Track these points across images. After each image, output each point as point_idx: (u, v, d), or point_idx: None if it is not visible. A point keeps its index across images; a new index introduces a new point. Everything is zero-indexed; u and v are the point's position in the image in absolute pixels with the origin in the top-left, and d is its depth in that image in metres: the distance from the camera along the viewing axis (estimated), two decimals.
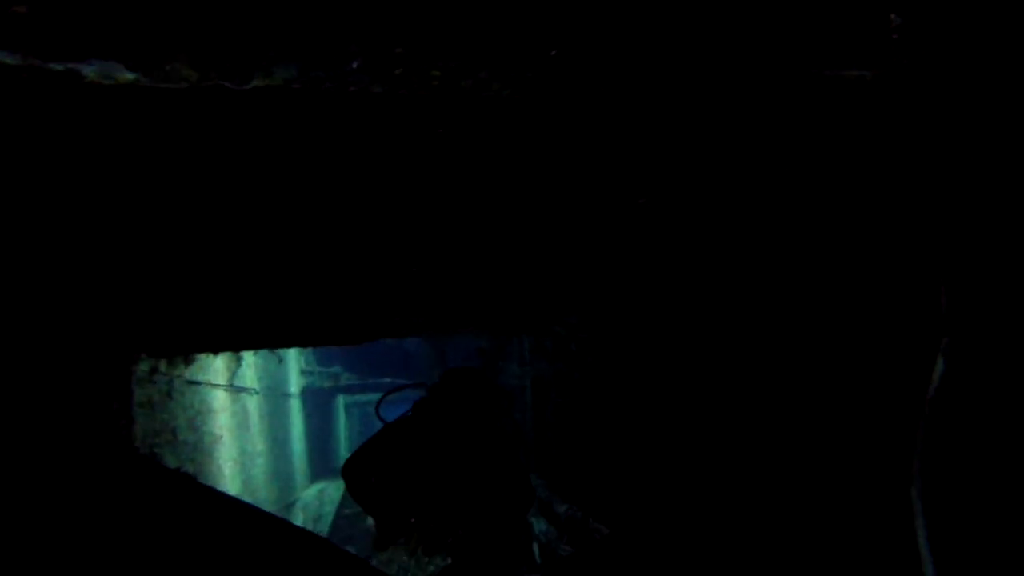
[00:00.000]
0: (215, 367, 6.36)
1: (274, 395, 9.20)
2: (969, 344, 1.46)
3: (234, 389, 7.11)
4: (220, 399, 6.55)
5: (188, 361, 4.84)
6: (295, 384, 10.47)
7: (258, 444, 8.33)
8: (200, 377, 5.78)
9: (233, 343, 4.12)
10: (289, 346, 3.81)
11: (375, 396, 15.27)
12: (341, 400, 14.64)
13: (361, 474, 3.14)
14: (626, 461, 3.74)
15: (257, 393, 8.39)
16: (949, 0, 1.19)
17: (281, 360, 9.15)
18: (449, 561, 3.62)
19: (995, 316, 1.42)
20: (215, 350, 4.45)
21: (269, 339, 4.06)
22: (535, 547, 5.56)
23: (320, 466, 11.72)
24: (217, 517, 2.49)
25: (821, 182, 1.50)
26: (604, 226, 2.02)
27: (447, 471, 3.13)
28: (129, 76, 0.99)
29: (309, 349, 11.18)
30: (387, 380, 11.48)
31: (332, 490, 10.37)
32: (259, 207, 1.52)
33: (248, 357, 7.66)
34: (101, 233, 1.59)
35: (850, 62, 1.22)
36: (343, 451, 15.12)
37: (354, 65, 1.09)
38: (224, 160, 1.25)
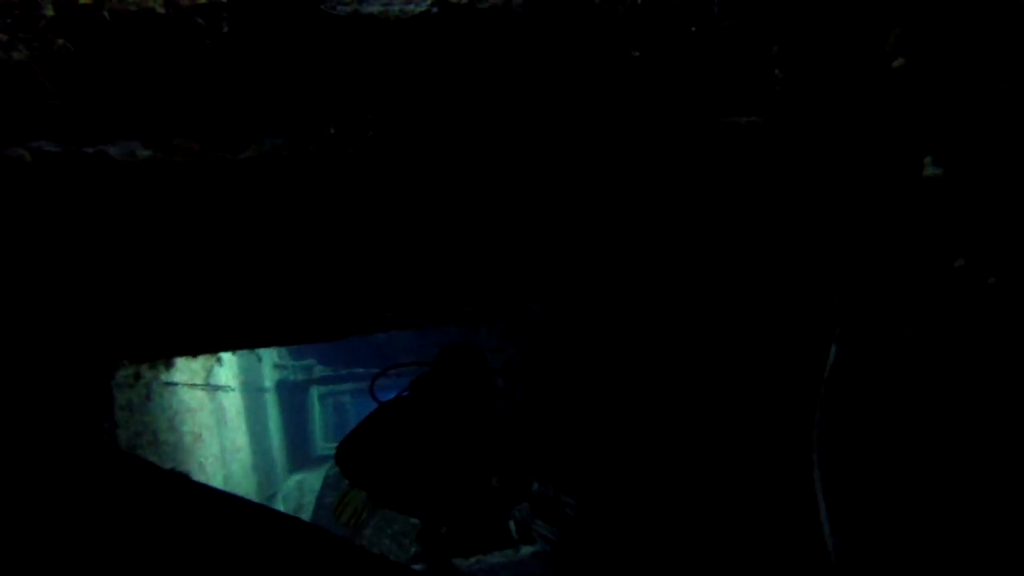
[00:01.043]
0: (192, 367, 6.48)
1: (250, 391, 9.32)
2: (859, 334, 1.74)
3: (211, 388, 7.24)
4: (198, 398, 6.67)
5: (168, 364, 4.97)
6: (269, 379, 10.60)
7: (237, 439, 8.47)
8: (177, 378, 5.91)
9: (213, 345, 4.26)
10: (269, 345, 3.86)
11: (348, 387, 15.35)
12: (315, 392, 14.75)
13: (357, 454, 3.03)
14: (588, 439, 4.03)
15: (233, 390, 8.52)
16: (819, 55, 1.46)
17: (260, 359, 9.24)
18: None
19: (881, 310, 1.71)
20: (194, 352, 4.58)
21: (249, 339, 4.20)
22: (511, 524, 5.85)
23: (298, 457, 11.88)
24: (211, 509, 2.68)
25: (731, 207, 1.77)
26: (564, 234, 2.27)
27: (443, 450, 3.05)
28: (146, 153, 1.19)
29: None
30: (360, 371, 11.68)
31: (311, 480, 10.55)
32: (250, 232, 1.72)
33: (224, 355, 7.76)
34: (93, 260, 1.78)
35: (743, 110, 1.49)
36: (319, 441, 15.24)
37: (332, 131, 1.31)
38: (224, 203, 1.46)
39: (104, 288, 1.87)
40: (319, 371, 11.97)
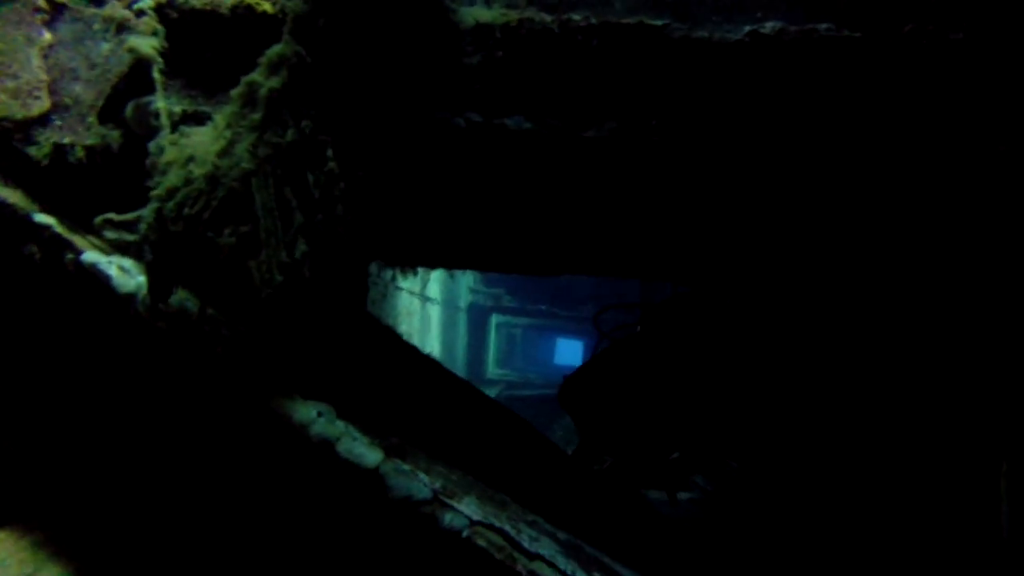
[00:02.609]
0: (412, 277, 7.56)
1: (448, 307, 10.51)
2: None
3: (423, 298, 8.35)
4: (413, 304, 7.78)
5: (414, 272, 5.93)
6: (464, 300, 11.80)
7: (435, 346, 9.69)
8: (403, 284, 6.97)
9: (452, 262, 4.95)
10: (494, 270, 4.42)
11: (522, 320, 16.21)
12: (493, 319, 15.94)
13: (585, 392, 2.96)
14: (756, 407, 4.22)
15: (438, 304, 9.69)
16: None
17: (488, 282, 10.23)
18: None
19: None
20: (433, 266, 5.39)
21: (481, 263, 4.79)
22: None
23: (473, 374, 13.15)
24: (457, 389, 3.37)
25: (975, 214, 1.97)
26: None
27: (677, 401, 2.95)
28: (528, 125, 1.73)
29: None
30: (542, 307, 12.55)
31: None
32: (561, 185, 2.18)
33: (435, 273, 8.86)
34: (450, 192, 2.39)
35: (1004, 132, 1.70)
36: (490, 364, 16.52)
37: (653, 122, 1.77)
38: (564, 166, 1.97)
39: (429, 204, 2.50)
40: (506, 301, 13.01)
